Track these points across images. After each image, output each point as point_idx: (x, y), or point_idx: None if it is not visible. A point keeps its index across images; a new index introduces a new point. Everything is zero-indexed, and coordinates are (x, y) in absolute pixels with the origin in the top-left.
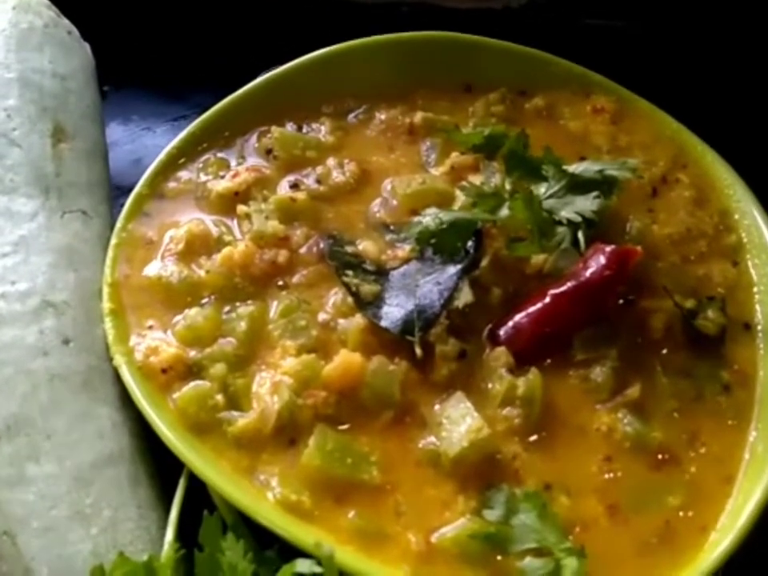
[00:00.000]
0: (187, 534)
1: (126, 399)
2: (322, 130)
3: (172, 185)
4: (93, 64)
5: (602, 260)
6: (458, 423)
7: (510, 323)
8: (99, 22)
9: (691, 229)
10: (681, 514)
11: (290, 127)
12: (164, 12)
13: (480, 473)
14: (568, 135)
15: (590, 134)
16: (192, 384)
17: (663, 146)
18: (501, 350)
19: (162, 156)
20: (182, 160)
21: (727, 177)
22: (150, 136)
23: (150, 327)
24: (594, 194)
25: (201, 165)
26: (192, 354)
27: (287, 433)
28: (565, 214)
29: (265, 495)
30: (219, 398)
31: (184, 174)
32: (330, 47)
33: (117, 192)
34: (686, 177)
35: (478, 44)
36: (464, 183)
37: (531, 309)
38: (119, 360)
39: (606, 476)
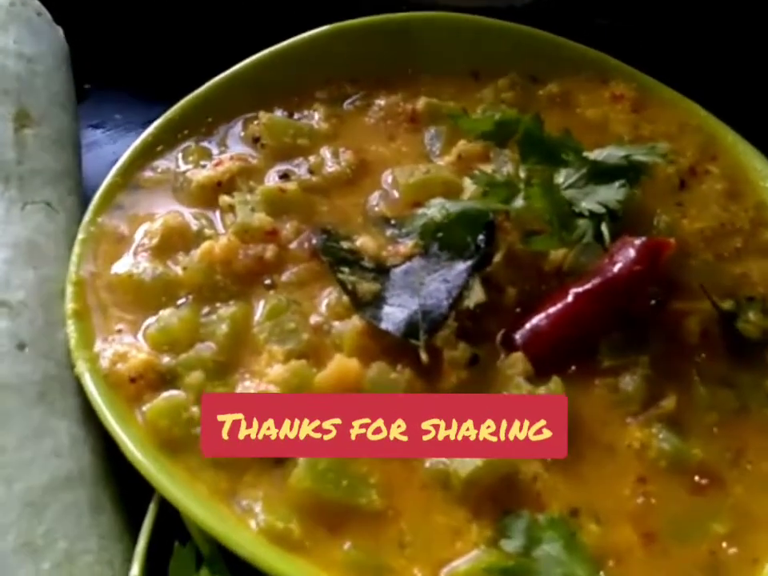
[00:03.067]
0: (156, 569)
1: (88, 412)
2: (315, 117)
3: (148, 174)
4: (66, 49)
5: (632, 254)
6: None
7: (528, 326)
8: (81, 18)
9: (725, 224)
10: (727, 543)
11: (279, 113)
12: (148, 6)
13: (496, 497)
14: (586, 124)
15: (610, 122)
16: (165, 395)
17: (690, 135)
18: (517, 356)
19: (137, 143)
20: (160, 148)
21: (762, 168)
22: (132, 136)
23: (119, 331)
24: (619, 182)
25: (180, 153)
26: (165, 360)
27: None
28: (586, 204)
29: (247, 523)
30: (195, 410)
31: (161, 163)
32: (325, 27)
33: (93, 193)
34: (716, 168)
35: (486, 26)
36: (474, 172)
37: (551, 310)
38: (81, 367)
39: (641, 500)
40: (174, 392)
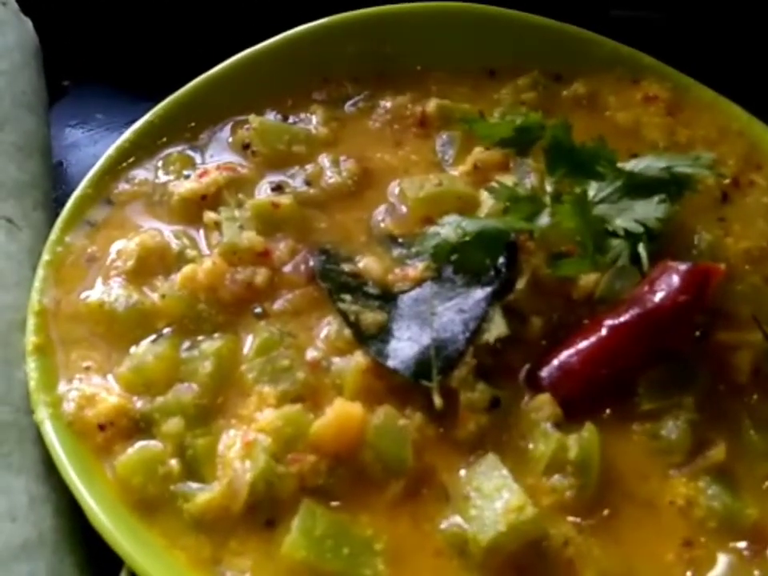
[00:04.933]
0: None
1: (51, 465)
2: (312, 121)
3: (123, 186)
4: (35, 43)
5: (676, 282)
6: (492, 498)
7: (555, 362)
8: (57, 7)
9: None
10: None
11: (272, 116)
12: None
13: (521, 565)
14: (616, 129)
15: (642, 127)
16: (138, 445)
17: (732, 141)
18: (544, 398)
19: (110, 151)
20: (137, 156)
21: None
22: (116, 137)
23: (87, 369)
24: (659, 197)
25: (160, 162)
26: (140, 404)
27: (263, 512)
28: (621, 222)
29: None
30: (174, 463)
31: (138, 173)
32: (323, 19)
33: None
34: (761, 179)
35: (504, 18)
36: (492, 184)
37: (582, 344)
38: (42, 413)
39: (688, 569)
40: (149, 442)
